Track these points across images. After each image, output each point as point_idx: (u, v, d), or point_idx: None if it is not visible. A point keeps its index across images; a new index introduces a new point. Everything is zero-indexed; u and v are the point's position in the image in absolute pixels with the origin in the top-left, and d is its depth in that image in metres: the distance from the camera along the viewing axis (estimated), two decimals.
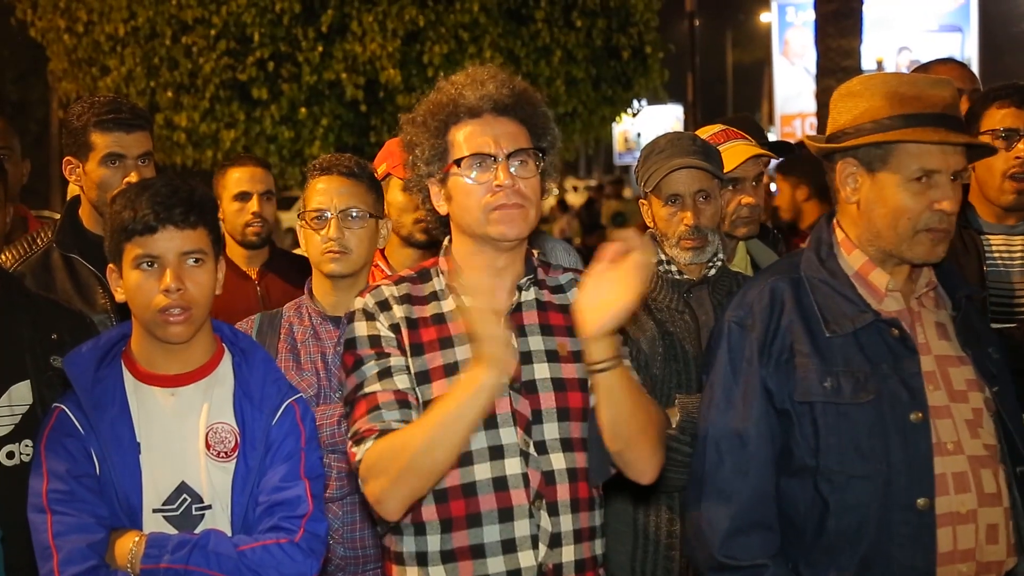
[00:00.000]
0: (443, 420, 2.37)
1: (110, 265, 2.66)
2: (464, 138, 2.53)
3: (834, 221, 2.76)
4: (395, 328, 2.54)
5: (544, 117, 2.62)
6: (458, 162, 2.51)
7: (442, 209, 2.60)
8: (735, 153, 3.78)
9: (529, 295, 2.61)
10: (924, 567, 2.52)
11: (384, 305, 2.56)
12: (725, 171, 3.71)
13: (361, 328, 2.55)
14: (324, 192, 3.31)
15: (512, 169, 2.50)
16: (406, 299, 2.58)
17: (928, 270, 2.70)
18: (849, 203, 2.68)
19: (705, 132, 3.87)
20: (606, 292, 2.34)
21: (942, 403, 2.59)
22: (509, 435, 2.47)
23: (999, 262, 3.51)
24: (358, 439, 2.45)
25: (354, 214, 3.31)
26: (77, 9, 11.67)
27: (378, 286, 2.61)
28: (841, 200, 2.70)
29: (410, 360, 2.52)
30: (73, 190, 3.87)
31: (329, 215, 3.28)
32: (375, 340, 2.53)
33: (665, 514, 3.37)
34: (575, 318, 2.41)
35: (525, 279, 2.61)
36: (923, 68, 4.81)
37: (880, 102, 2.62)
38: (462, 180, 2.52)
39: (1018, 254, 3.52)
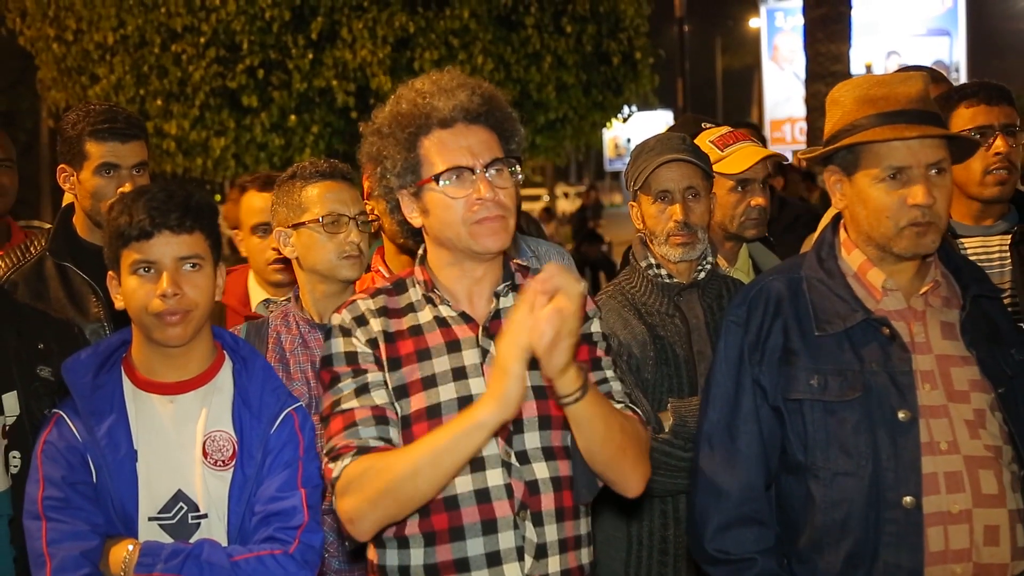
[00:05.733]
0: (434, 450, 2.31)
1: (110, 273, 2.65)
2: (437, 150, 2.47)
3: (841, 222, 2.79)
4: (372, 343, 2.49)
5: (512, 120, 2.58)
6: (436, 178, 2.46)
7: (416, 222, 2.54)
8: (746, 155, 3.80)
9: (507, 301, 2.57)
10: (911, 566, 2.52)
11: (361, 320, 2.52)
12: (735, 172, 3.74)
13: (338, 345, 2.51)
14: (337, 198, 3.29)
15: (489, 178, 2.47)
16: (383, 312, 2.54)
17: (934, 269, 2.71)
18: (839, 208, 2.72)
19: (713, 134, 3.88)
20: (525, 332, 2.22)
21: (939, 402, 2.59)
22: (490, 446, 2.42)
23: None
24: (334, 455, 2.40)
25: (363, 219, 3.32)
26: (66, 18, 11.66)
27: (354, 301, 2.56)
28: (834, 206, 2.74)
29: (388, 374, 2.48)
30: (67, 198, 3.86)
31: (348, 220, 3.28)
32: (352, 357, 2.49)
33: (658, 519, 3.37)
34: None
35: (503, 285, 2.57)
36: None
37: (851, 106, 2.66)
38: (441, 195, 2.47)
39: (996, 255, 3.51)
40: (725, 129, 3.94)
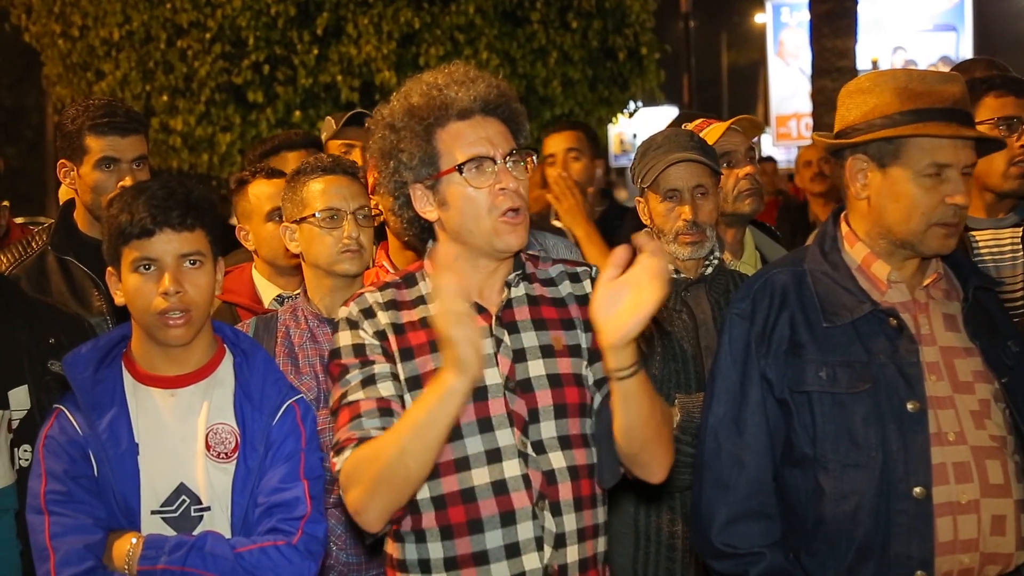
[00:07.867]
0: (413, 428, 2.31)
1: (109, 268, 2.66)
2: (456, 141, 2.45)
3: (841, 216, 2.78)
4: (380, 335, 2.49)
5: (522, 114, 2.58)
6: (460, 168, 2.44)
7: (431, 216, 2.52)
8: (713, 131, 3.79)
9: (519, 291, 2.56)
10: (921, 556, 2.53)
11: (368, 312, 2.51)
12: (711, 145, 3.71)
13: (345, 337, 2.50)
14: (336, 193, 3.30)
15: (509, 168, 2.46)
16: (391, 305, 2.53)
17: (936, 261, 2.72)
18: (859, 199, 2.68)
19: (692, 125, 3.88)
20: (624, 299, 2.25)
21: (945, 393, 2.60)
22: (506, 437, 2.43)
23: (987, 258, 3.50)
24: (338, 449, 2.40)
25: (364, 213, 3.32)
26: (72, 14, 11.67)
27: (362, 294, 2.56)
28: (851, 196, 2.71)
29: (400, 366, 2.47)
30: (67, 193, 3.86)
31: (345, 214, 3.28)
32: (359, 349, 2.48)
33: (666, 515, 3.38)
34: (594, 326, 2.33)
35: (513, 275, 2.56)
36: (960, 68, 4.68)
37: (890, 98, 2.62)
38: (463, 187, 2.45)
39: (1007, 248, 3.50)
40: (699, 120, 3.93)
